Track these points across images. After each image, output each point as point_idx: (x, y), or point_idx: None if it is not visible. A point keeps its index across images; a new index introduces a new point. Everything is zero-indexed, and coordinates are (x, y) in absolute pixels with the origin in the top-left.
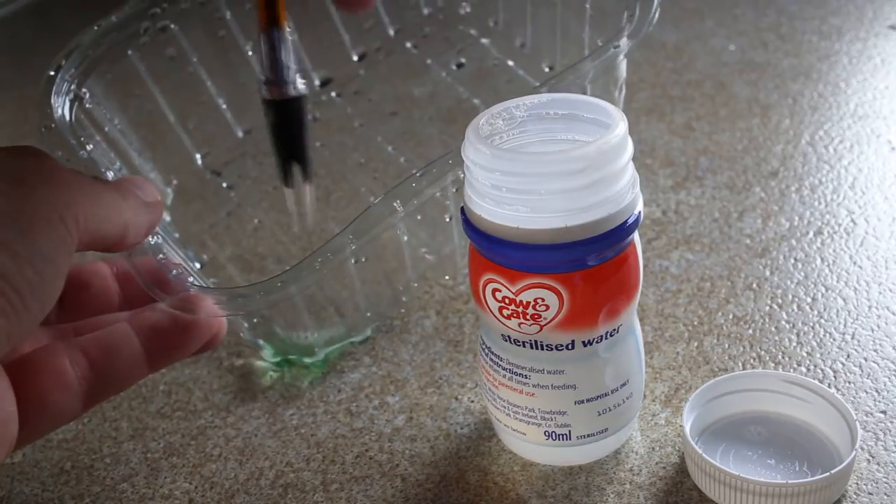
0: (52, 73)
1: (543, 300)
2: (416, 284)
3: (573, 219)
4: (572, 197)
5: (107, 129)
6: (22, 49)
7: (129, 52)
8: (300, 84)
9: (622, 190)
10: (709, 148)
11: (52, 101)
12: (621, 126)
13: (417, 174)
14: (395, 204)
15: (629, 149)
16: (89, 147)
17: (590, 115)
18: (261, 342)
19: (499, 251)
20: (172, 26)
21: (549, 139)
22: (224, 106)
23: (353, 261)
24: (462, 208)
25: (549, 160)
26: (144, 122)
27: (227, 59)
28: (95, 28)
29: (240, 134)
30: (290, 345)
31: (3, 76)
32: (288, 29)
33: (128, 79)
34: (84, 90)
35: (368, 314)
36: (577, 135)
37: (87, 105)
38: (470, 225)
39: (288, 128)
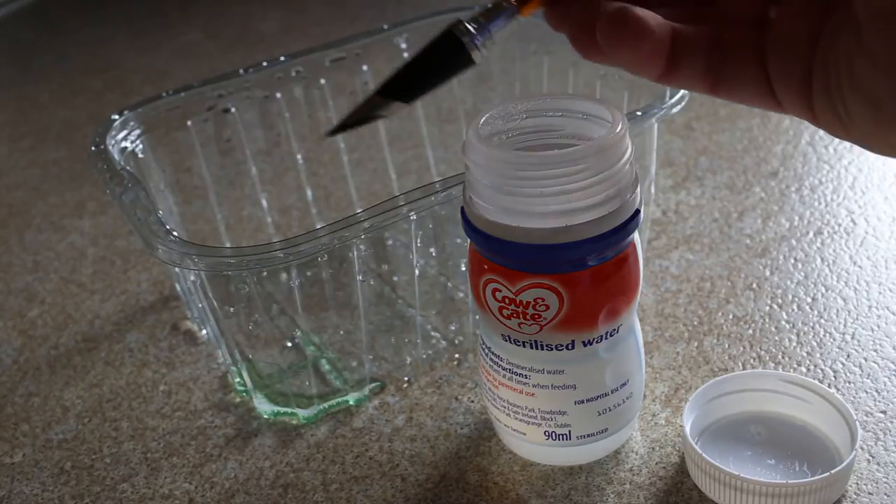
0: (115, 116)
1: (543, 300)
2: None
3: (573, 219)
4: (572, 197)
5: (150, 184)
6: (22, 49)
7: (189, 123)
8: (481, 55)
9: (622, 190)
10: (709, 148)
11: (108, 139)
12: (621, 126)
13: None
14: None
15: (629, 149)
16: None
17: (590, 115)
18: (255, 391)
19: (499, 251)
20: (233, 110)
21: (549, 139)
22: (265, 204)
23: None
24: (462, 208)
25: (549, 160)
26: (184, 192)
27: (279, 156)
28: (166, 93)
29: (272, 233)
30: (287, 394)
31: (3, 76)
32: (519, 18)
33: (181, 147)
34: (139, 143)
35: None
36: (577, 135)
37: (139, 156)
38: (470, 225)
39: (434, 63)
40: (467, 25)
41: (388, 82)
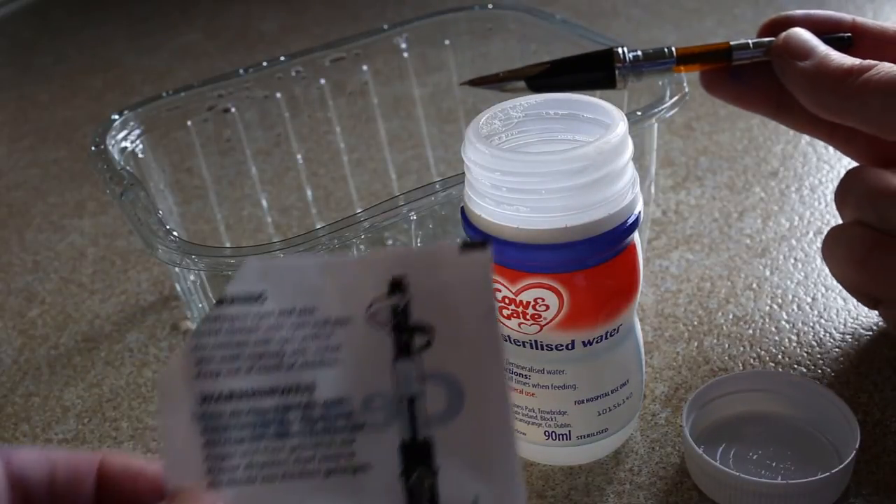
0: (115, 116)
1: (543, 300)
2: None
3: (573, 219)
4: (572, 197)
5: (150, 184)
6: (22, 49)
7: (189, 123)
8: (624, 85)
9: (622, 190)
10: (709, 148)
11: (108, 139)
12: (621, 126)
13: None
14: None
15: (629, 149)
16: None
17: (590, 115)
18: None
19: (499, 251)
20: (233, 110)
21: (549, 139)
22: (265, 204)
23: None
24: (462, 208)
25: (549, 160)
26: (184, 192)
27: (279, 156)
28: (166, 93)
29: (272, 233)
30: None
31: (3, 76)
32: (672, 73)
33: (181, 147)
34: (139, 143)
35: None
36: (576, 135)
37: (139, 156)
38: (470, 225)
39: (580, 71)
40: (626, 54)
41: (533, 74)
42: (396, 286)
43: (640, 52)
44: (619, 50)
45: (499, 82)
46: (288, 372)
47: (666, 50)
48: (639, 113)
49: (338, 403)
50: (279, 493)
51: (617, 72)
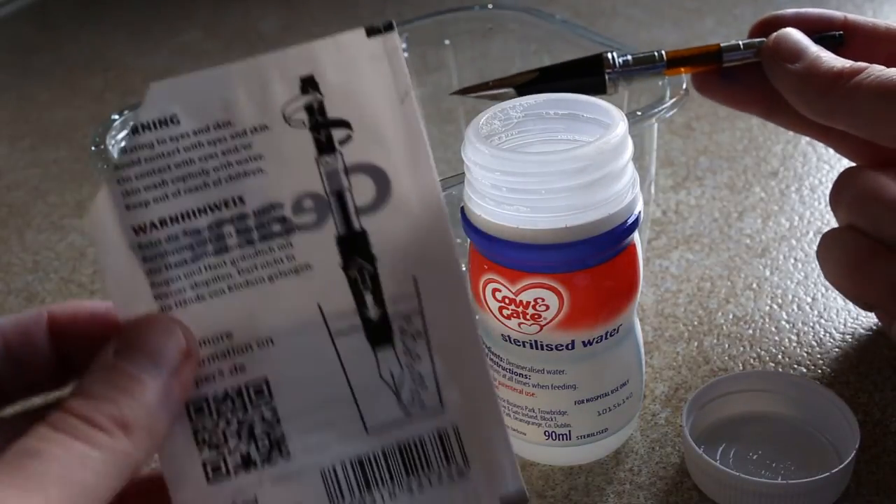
0: (115, 116)
1: (543, 300)
2: None
3: (573, 219)
4: (572, 197)
5: None
6: (22, 49)
7: None
8: (615, 90)
9: (622, 190)
10: (709, 148)
11: (108, 139)
12: (621, 126)
13: None
14: None
15: (629, 149)
16: None
17: (590, 115)
18: None
19: (499, 251)
20: None
21: (549, 139)
22: None
23: None
24: (462, 208)
25: (549, 160)
26: None
27: None
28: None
29: None
30: None
31: (3, 76)
32: (663, 77)
33: None
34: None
35: None
36: (576, 135)
37: None
38: (470, 225)
39: (571, 76)
40: (615, 59)
41: (523, 82)
42: (308, 84)
43: (629, 57)
44: (609, 55)
45: (488, 90)
46: (215, 188)
47: (656, 54)
48: (639, 113)
49: (269, 210)
50: (231, 306)
51: (607, 77)
